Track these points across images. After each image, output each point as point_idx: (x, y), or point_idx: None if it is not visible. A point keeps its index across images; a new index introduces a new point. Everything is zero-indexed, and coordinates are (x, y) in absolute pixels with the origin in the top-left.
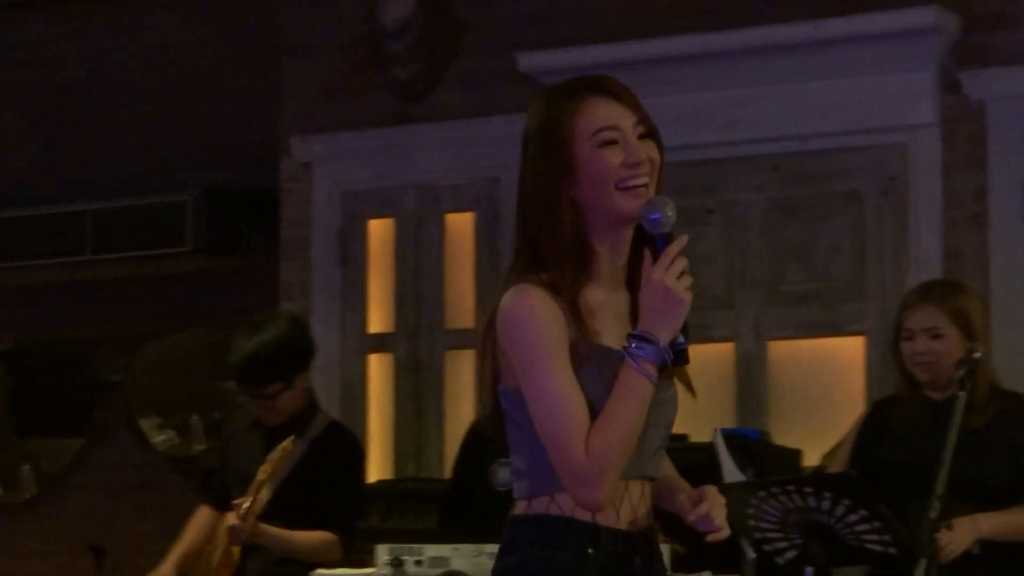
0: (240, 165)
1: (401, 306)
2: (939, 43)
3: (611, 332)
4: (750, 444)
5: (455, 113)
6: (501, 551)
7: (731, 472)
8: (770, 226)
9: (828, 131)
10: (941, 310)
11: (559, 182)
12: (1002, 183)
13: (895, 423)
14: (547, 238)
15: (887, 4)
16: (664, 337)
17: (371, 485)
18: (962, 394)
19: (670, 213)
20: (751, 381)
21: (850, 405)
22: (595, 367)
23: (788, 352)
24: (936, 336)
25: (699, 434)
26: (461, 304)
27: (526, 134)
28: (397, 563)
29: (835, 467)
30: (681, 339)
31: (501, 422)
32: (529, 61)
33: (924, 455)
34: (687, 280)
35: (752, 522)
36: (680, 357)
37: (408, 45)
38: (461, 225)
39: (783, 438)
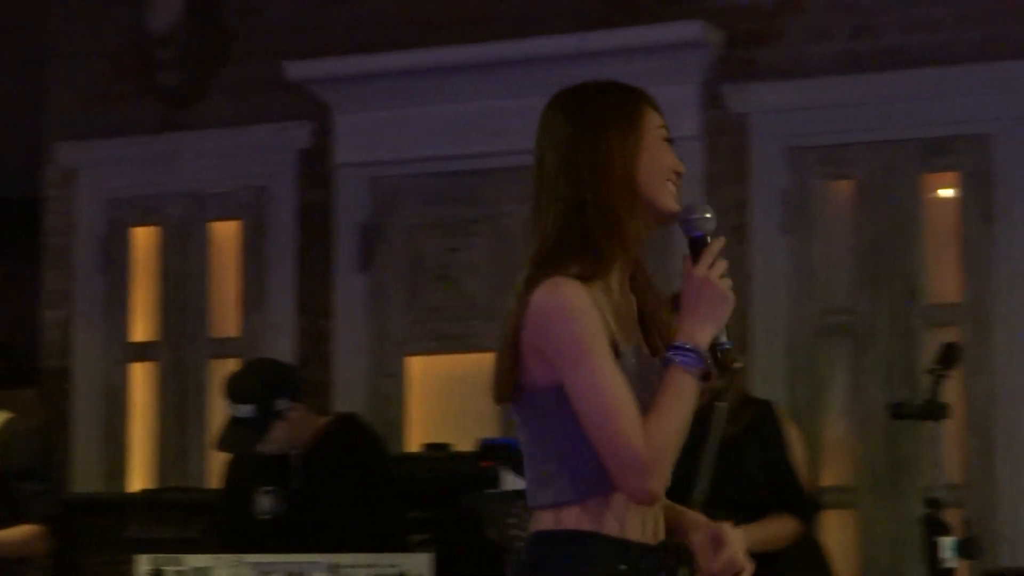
0: (2, 172)
1: (165, 314)
2: (703, 57)
3: (629, 331)
4: (513, 453)
5: (222, 121)
6: (528, 567)
7: (512, 482)
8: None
9: None
10: None
11: (631, 161)
12: (763, 195)
13: None
14: (602, 219)
15: (652, 18)
16: (708, 336)
17: (133, 495)
18: (722, 404)
19: (709, 215)
20: None
21: None
22: (627, 363)
23: None
24: None
25: (463, 443)
26: (226, 313)
27: (581, 116)
28: (158, 573)
29: None
30: (724, 340)
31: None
32: (296, 70)
33: (682, 464)
34: (728, 282)
35: (514, 531)
36: (725, 358)
37: (175, 53)
38: (226, 233)
39: None
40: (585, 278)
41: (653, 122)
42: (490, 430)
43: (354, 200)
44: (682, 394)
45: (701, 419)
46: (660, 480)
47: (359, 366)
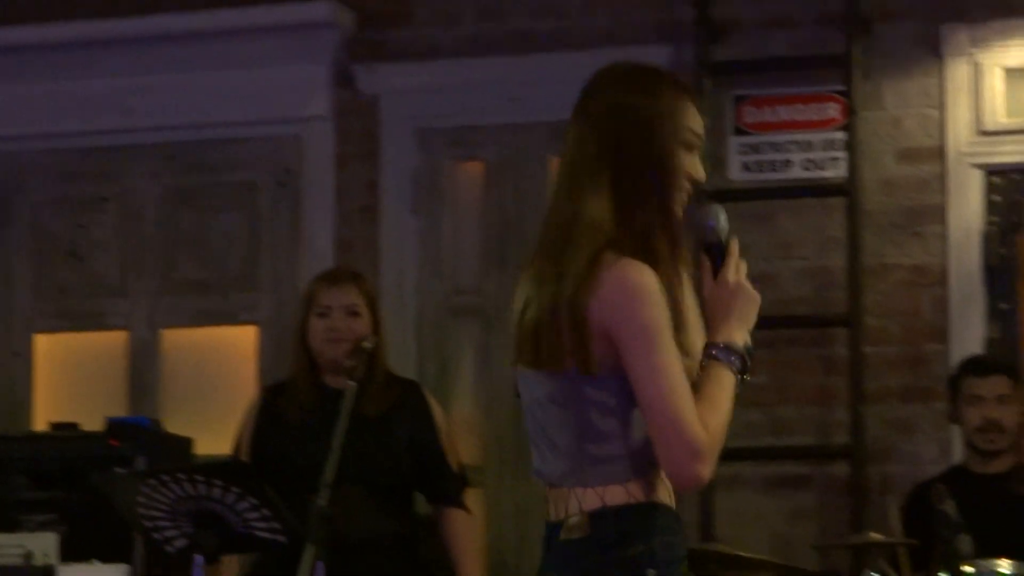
0: None
1: None
2: (333, 37)
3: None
4: (142, 432)
5: None
6: (613, 539)
7: (141, 462)
8: (165, 215)
9: (223, 121)
10: (358, 290)
11: (680, 159)
12: (393, 176)
13: (290, 411)
14: (663, 215)
15: None
16: (742, 336)
17: None
18: (352, 384)
19: (723, 221)
20: (144, 369)
21: (242, 393)
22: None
23: (182, 340)
24: (353, 314)
25: (90, 423)
26: None
27: (631, 107)
28: None
29: (242, 456)
30: (750, 342)
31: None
32: None
33: (320, 443)
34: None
35: (142, 511)
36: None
37: None
38: None
39: (175, 426)
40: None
41: (685, 123)
42: (118, 409)
43: None
44: (726, 389)
45: (339, 397)
46: (711, 467)
47: None
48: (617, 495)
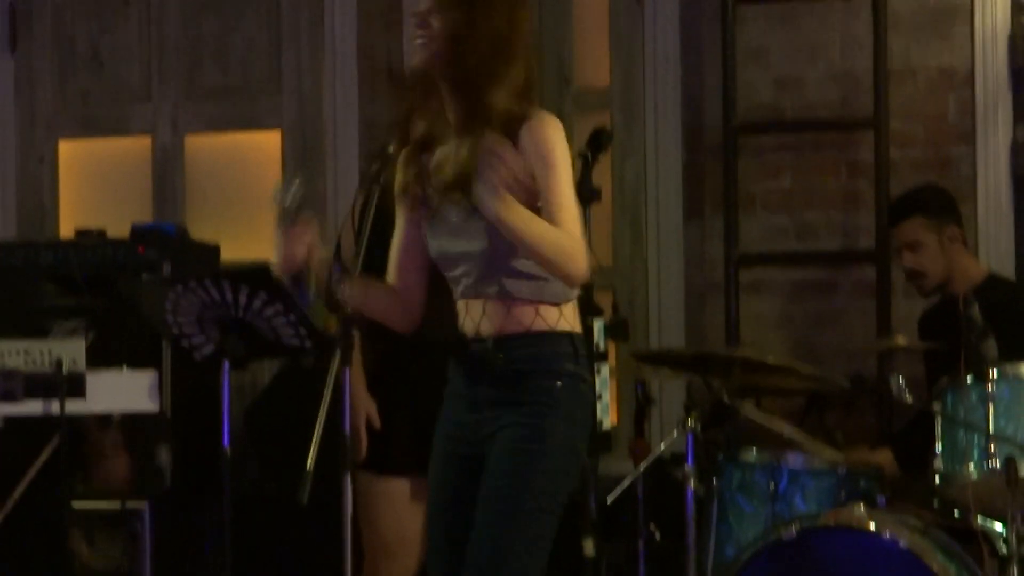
0: None
1: None
2: None
3: None
4: (167, 239)
5: None
6: None
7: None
8: (187, 20)
9: None
10: None
11: None
12: None
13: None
14: None
15: None
16: None
17: None
18: None
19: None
20: (168, 175)
21: (266, 199)
22: None
23: (205, 146)
24: None
25: (115, 229)
26: None
27: None
28: None
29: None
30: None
31: None
32: None
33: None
34: None
35: (170, 317)
36: None
37: None
38: None
39: (201, 233)
40: None
41: None
42: (143, 215)
43: None
44: None
45: None
46: None
47: (8, 150)
48: None
